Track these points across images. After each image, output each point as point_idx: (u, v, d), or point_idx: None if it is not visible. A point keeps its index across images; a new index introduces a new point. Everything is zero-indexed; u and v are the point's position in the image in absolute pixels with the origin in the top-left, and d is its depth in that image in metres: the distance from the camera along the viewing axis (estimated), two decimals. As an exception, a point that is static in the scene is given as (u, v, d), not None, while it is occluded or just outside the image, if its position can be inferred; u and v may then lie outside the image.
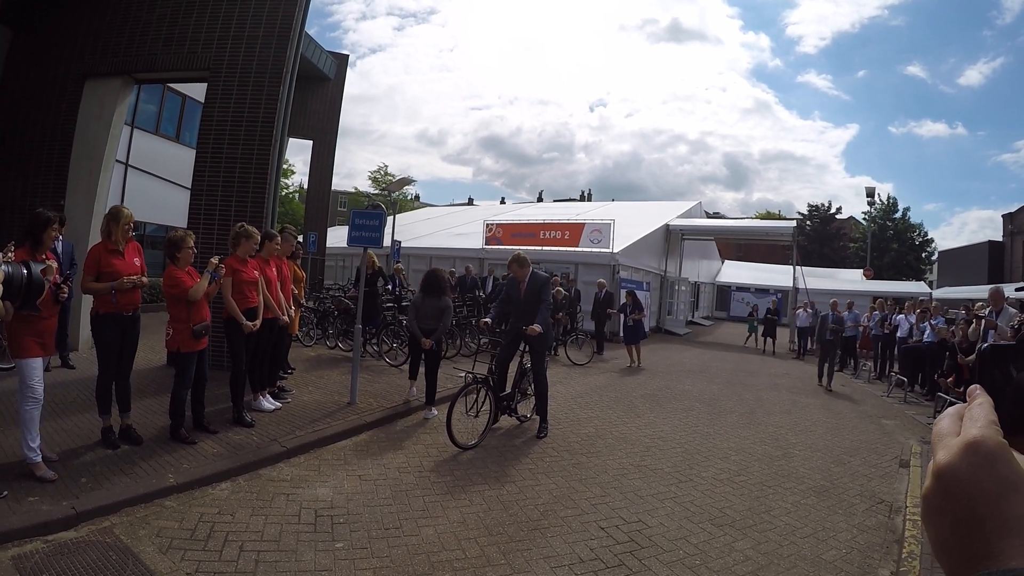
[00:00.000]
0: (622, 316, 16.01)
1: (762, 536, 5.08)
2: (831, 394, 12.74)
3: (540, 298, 7.68)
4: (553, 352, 14.93)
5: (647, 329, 20.13)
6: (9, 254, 4.47)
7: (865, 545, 5.06)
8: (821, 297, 24.26)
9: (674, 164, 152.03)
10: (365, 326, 10.71)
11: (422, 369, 8.31)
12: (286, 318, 7.69)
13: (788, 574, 4.41)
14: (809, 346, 20.13)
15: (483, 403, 7.19)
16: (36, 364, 4.95)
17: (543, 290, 7.75)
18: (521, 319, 7.63)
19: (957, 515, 0.58)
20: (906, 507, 5.96)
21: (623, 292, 18.86)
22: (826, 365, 13.66)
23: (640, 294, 21.00)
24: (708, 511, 5.55)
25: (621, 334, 16.67)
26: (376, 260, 12.27)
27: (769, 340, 20.57)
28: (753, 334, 22.37)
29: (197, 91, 17.04)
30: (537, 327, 7.36)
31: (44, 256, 4.93)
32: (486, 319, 7.83)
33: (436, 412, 8.02)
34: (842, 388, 13.57)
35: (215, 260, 6.24)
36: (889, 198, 51.31)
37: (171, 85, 19.61)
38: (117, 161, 14.02)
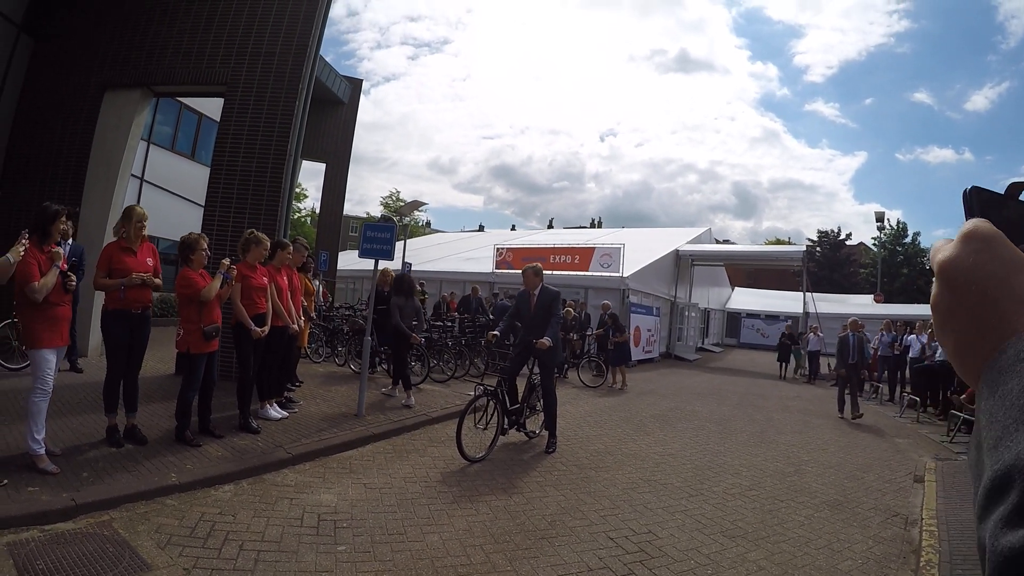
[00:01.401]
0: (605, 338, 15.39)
1: (775, 547, 4.95)
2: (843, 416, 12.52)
3: (550, 312, 7.63)
4: (563, 374, 14.86)
5: (641, 354, 20.00)
6: (24, 241, 4.51)
7: (881, 555, 4.92)
8: (832, 322, 24.09)
9: (684, 193, 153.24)
10: (381, 345, 10.70)
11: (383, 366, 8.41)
12: (296, 327, 7.67)
13: (803, 585, 4.29)
14: (821, 370, 19.95)
15: (492, 416, 7.10)
16: (50, 356, 4.97)
17: (553, 304, 7.70)
18: (531, 332, 7.56)
19: (970, 305, 0.57)
20: (922, 519, 5.81)
21: (631, 316, 18.81)
22: (847, 392, 12.37)
23: (649, 319, 21.04)
24: (720, 523, 5.42)
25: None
26: (392, 276, 12.26)
27: (784, 364, 20.34)
28: (789, 363, 20.88)
29: (213, 110, 17.26)
30: (547, 340, 7.28)
31: (51, 247, 4.96)
32: (494, 332, 7.77)
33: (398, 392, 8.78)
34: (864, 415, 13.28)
35: (227, 261, 6.25)
36: (899, 223, 51.03)
37: (188, 103, 19.92)
38: (133, 175, 14.20)
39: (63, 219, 5.09)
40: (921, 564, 4.69)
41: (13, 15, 11.33)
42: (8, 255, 4.34)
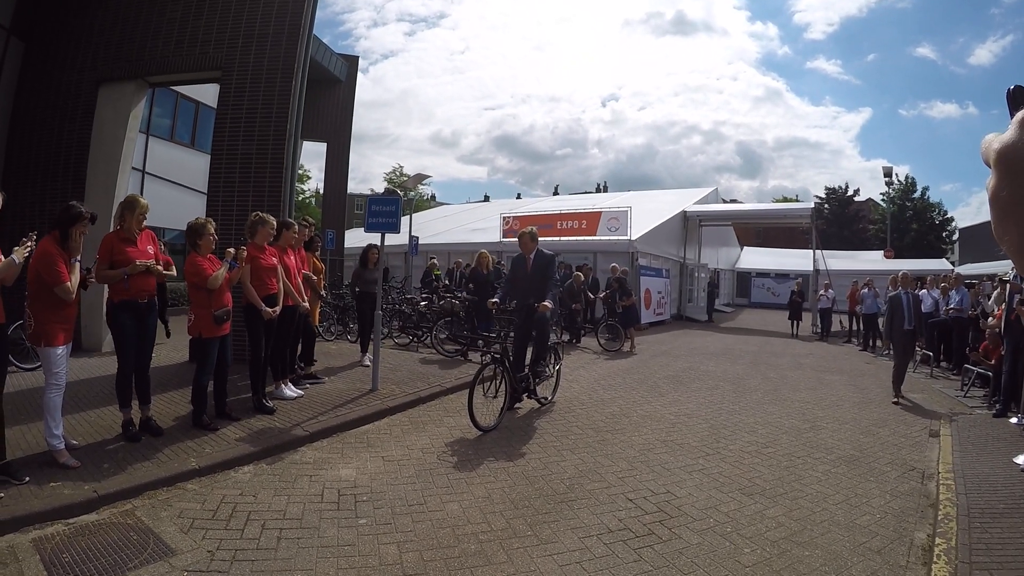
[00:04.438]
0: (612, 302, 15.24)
1: (793, 503, 4.94)
2: (858, 372, 12.48)
3: (546, 275, 7.70)
4: (578, 340, 14.86)
5: (652, 316, 19.93)
6: (29, 243, 4.49)
7: (899, 510, 4.90)
8: (843, 279, 23.90)
9: (688, 155, 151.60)
10: (483, 329, 10.72)
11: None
12: (306, 305, 7.69)
13: (822, 539, 4.27)
14: (833, 328, 19.86)
15: (500, 384, 7.10)
16: (61, 352, 4.98)
17: (548, 267, 7.79)
18: (529, 295, 7.60)
19: None
20: (939, 473, 5.78)
21: (641, 279, 18.71)
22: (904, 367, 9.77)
23: (659, 281, 20.96)
24: (737, 481, 5.42)
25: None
26: (490, 258, 12.07)
27: (796, 322, 20.25)
28: (800, 320, 20.36)
29: (210, 97, 17.16)
30: (548, 303, 7.36)
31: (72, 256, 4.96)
32: (494, 299, 7.72)
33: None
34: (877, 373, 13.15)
35: (232, 250, 6.24)
36: (907, 178, 50.29)
37: (184, 92, 19.79)
38: (134, 168, 14.17)
39: (84, 223, 5.05)
40: (939, 517, 4.66)
41: (2, 19, 11.26)
42: (14, 256, 4.33)
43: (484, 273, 11.74)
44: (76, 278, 4.93)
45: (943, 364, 13.00)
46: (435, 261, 17.17)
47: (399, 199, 8.58)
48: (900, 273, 10.49)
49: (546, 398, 8.03)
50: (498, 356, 7.08)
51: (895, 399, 9.26)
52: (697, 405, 8.47)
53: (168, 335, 5.18)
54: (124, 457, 5.18)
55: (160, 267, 5.80)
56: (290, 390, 7.54)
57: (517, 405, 7.68)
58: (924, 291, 14.21)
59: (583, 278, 16.02)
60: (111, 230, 6.05)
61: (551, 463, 5.74)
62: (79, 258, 5.04)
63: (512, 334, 7.46)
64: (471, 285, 12.49)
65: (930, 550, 4.15)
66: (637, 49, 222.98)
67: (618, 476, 5.44)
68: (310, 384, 8.24)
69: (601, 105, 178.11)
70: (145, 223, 5.83)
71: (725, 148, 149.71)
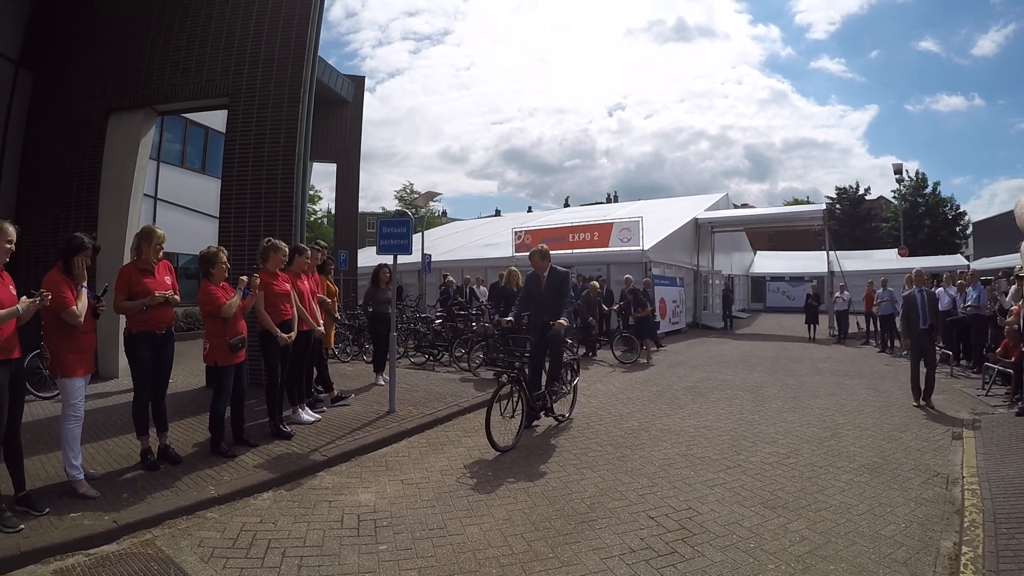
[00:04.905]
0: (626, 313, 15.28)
1: (817, 516, 4.86)
2: (877, 375, 12.33)
3: (561, 292, 7.58)
4: (594, 353, 14.78)
5: (668, 325, 19.81)
6: (43, 300, 4.50)
7: (924, 518, 4.81)
8: (858, 279, 23.70)
9: (696, 161, 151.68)
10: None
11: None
12: (321, 329, 7.70)
13: (847, 551, 4.19)
14: (850, 329, 19.69)
15: (517, 403, 7.04)
16: (79, 383, 5.01)
17: (563, 283, 7.65)
18: (544, 314, 7.50)
19: None
20: (963, 478, 5.68)
21: (655, 288, 18.60)
22: (922, 370, 9.22)
23: (674, 290, 20.87)
24: (759, 494, 5.34)
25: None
26: (519, 276, 11.97)
27: (812, 326, 20.09)
28: (817, 324, 20.22)
29: (219, 122, 17.30)
30: (564, 321, 7.24)
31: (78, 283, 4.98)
32: (508, 318, 7.65)
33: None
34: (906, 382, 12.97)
35: (245, 278, 6.26)
36: (918, 174, 49.77)
37: (193, 118, 20.04)
38: (146, 195, 14.32)
39: (86, 252, 5.07)
40: (965, 525, 4.57)
41: (9, 52, 11.44)
42: (18, 306, 4.32)
43: (514, 291, 11.68)
44: (83, 304, 4.93)
45: (963, 363, 12.85)
46: (451, 279, 17.16)
47: (410, 220, 8.56)
48: (914, 271, 10.23)
49: (563, 415, 7.95)
50: (514, 375, 7.01)
51: (915, 403, 9.01)
52: (716, 416, 8.39)
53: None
54: (143, 486, 5.18)
55: (178, 297, 5.83)
56: (307, 414, 7.53)
57: (535, 423, 7.62)
58: (940, 289, 13.94)
59: (599, 287, 15.96)
60: (127, 260, 6.08)
61: (571, 482, 5.69)
62: (85, 284, 5.06)
63: (527, 353, 7.39)
64: (501, 304, 12.43)
65: (956, 559, 4.08)
66: (641, 57, 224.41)
67: (639, 493, 5.38)
68: (341, 405, 8.30)
69: (608, 115, 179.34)
70: (162, 246, 5.85)
71: (733, 152, 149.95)
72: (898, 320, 13.51)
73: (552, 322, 7.26)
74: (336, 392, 8.65)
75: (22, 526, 4.23)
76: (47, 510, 4.51)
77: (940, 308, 11.60)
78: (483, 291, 18.45)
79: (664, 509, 5.01)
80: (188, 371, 10.47)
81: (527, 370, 7.26)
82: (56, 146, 11.09)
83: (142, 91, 10.70)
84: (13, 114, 11.44)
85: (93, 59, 11.15)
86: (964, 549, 4.17)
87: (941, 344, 11.85)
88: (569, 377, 8.17)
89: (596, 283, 16.00)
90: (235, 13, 10.25)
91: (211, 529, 4.56)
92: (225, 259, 6.19)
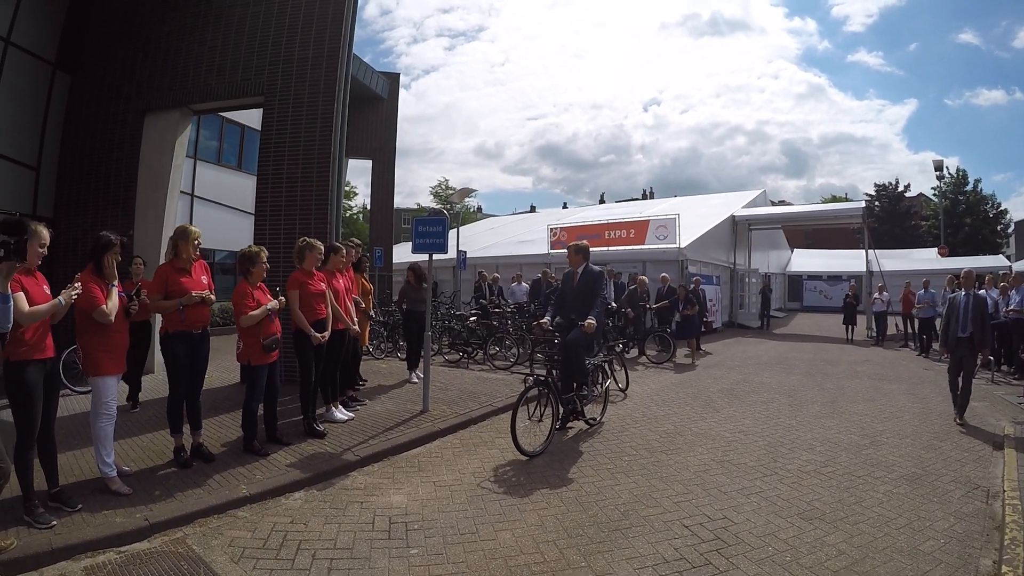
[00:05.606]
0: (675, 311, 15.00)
1: (854, 528, 4.67)
2: (916, 380, 11.94)
3: (593, 291, 7.29)
4: (627, 351, 14.57)
5: (714, 324, 19.52)
6: (76, 286, 4.54)
7: (963, 534, 4.58)
8: (896, 279, 23.05)
9: (733, 156, 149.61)
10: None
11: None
12: (356, 328, 7.66)
13: (884, 568, 4.00)
14: (889, 331, 19.17)
15: (546, 406, 6.85)
16: (111, 382, 5.04)
17: (595, 283, 7.35)
18: (570, 312, 7.27)
19: None
20: (1004, 492, 5.41)
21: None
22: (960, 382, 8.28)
23: (710, 288, 20.54)
24: (796, 505, 5.16)
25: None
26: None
27: (850, 327, 19.62)
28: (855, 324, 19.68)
29: (255, 120, 17.47)
30: (592, 321, 6.93)
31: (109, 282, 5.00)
32: (544, 320, 7.52)
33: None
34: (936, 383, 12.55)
35: (283, 299, 6.30)
36: (959, 171, 48.04)
37: (229, 117, 20.25)
38: (182, 192, 14.51)
39: (116, 249, 5.07)
40: (1005, 543, 4.34)
41: (46, 54, 11.67)
42: (60, 298, 4.37)
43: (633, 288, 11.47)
44: (113, 303, 4.95)
45: (1004, 368, 12.38)
46: (486, 275, 17.11)
47: (445, 219, 8.45)
48: (963, 271, 9.09)
49: (595, 419, 7.75)
50: (542, 378, 6.86)
51: (956, 420, 8.16)
52: (753, 421, 8.19)
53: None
54: (175, 484, 5.20)
55: (213, 297, 5.84)
56: (341, 413, 7.52)
57: (568, 425, 7.48)
58: (983, 291, 13.16)
59: (646, 282, 15.80)
60: (163, 256, 6.10)
61: (604, 487, 5.57)
62: (116, 283, 5.08)
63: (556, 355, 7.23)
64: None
65: (996, 579, 3.87)
66: (676, 52, 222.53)
67: (673, 501, 5.24)
68: (355, 406, 8.19)
69: (643, 110, 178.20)
70: (199, 243, 5.86)
71: (770, 148, 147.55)
72: (938, 323, 12.75)
73: (580, 323, 6.99)
74: (351, 393, 8.46)
75: (54, 522, 4.26)
76: (80, 506, 4.55)
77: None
78: (524, 287, 18.35)
79: (699, 518, 4.87)
80: (223, 367, 10.56)
81: (555, 372, 7.13)
82: (94, 145, 11.29)
83: (177, 91, 10.83)
84: (51, 115, 11.68)
85: (129, 60, 11.31)
86: (1004, 569, 3.96)
87: (990, 357, 10.81)
88: (601, 379, 8.02)
89: (645, 278, 15.85)
90: (269, 13, 10.30)
91: (242, 529, 4.55)
92: (265, 259, 6.19)
